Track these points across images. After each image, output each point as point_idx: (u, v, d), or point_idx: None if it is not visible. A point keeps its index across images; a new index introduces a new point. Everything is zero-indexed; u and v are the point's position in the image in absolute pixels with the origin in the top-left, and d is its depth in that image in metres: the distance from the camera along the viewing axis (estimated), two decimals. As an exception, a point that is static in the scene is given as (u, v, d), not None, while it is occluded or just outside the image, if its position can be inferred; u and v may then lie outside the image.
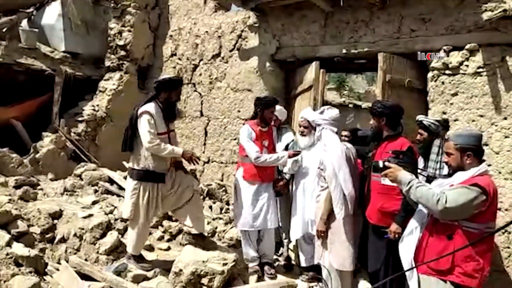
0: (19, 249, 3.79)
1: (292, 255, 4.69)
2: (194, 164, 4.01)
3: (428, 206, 2.49)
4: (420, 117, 3.80)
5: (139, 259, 3.98)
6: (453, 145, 2.59)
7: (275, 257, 4.53)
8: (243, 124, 4.39)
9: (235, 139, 6.12)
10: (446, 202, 2.37)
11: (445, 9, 4.37)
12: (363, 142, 3.90)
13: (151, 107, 3.85)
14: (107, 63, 7.30)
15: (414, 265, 2.63)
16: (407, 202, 2.90)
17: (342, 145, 3.66)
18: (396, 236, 3.07)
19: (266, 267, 4.23)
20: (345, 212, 3.45)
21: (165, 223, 4.76)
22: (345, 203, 3.44)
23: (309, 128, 4.01)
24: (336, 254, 3.52)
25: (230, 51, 6.24)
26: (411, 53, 4.67)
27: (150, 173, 3.84)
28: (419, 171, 3.19)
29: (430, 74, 4.48)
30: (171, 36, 7.23)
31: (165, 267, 3.94)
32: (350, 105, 10.81)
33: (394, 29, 4.73)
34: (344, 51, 5.04)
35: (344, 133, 4.07)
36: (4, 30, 6.84)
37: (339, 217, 3.46)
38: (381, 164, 2.74)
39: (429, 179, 3.21)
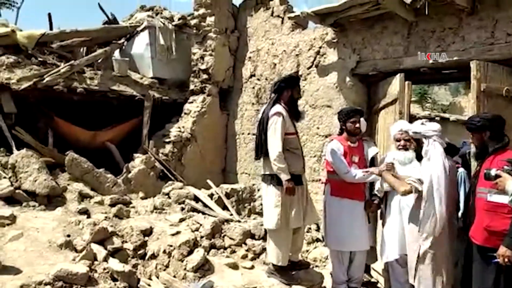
0: (114, 264, 4.01)
1: (380, 278, 4.45)
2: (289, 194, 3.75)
3: None
4: None
5: (283, 272, 3.86)
6: None
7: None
8: (330, 140, 4.29)
9: (314, 156, 6.03)
10: None
11: (548, 8, 3.97)
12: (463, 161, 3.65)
13: (280, 108, 3.76)
14: (191, 86, 7.66)
15: None
16: None
17: (447, 161, 3.40)
18: (506, 260, 2.75)
19: (354, 291, 4.05)
20: (432, 232, 3.22)
21: (249, 241, 4.77)
22: (434, 223, 3.20)
23: (411, 141, 3.80)
24: (433, 277, 3.26)
25: (308, 68, 6.21)
26: (507, 59, 4.28)
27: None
28: None
29: (532, 81, 4.07)
30: (249, 57, 7.40)
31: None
32: (437, 118, 10.22)
33: (487, 35, 4.38)
34: (430, 61, 4.77)
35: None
36: (99, 60, 7.51)
37: (425, 237, 3.24)
38: (493, 173, 2.60)
39: None
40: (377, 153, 4.27)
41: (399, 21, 5.04)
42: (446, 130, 10.24)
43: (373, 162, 4.19)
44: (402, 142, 3.86)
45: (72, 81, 6.88)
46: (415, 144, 3.66)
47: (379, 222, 4.26)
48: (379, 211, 4.20)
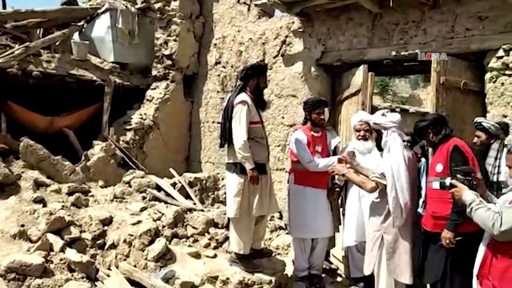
0: (72, 254, 3.89)
1: (340, 265, 4.54)
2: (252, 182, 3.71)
3: (486, 229, 2.37)
4: (478, 119, 3.63)
5: (245, 260, 3.82)
6: None
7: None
8: (295, 130, 4.30)
9: (279, 145, 6.05)
10: (501, 225, 2.24)
11: (506, 5, 4.10)
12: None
13: (245, 97, 3.69)
14: (154, 72, 7.47)
15: (477, 282, 2.51)
16: (459, 205, 2.75)
17: (406, 151, 3.48)
18: (448, 242, 2.90)
19: (314, 278, 4.11)
20: (399, 222, 3.30)
21: (212, 230, 4.75)
22: (400, 213, 3.29)
23: (370, 131, 3.86)
24: (395, 264, 3.36)
25: (274, 57, 6.19)
26: (466, 53, 4.43)
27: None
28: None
29: (488, 75, 4.22)
30: (215, 44, 7.30)
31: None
32: (397, 109, 10.50)
33: (448, 29, 4.50)
34: (393, 53, 4.85)
35: (405, 138, 3.89)
36: (57, 43, 7.18)
37: (396, 227, 3.32)
38: (447, 182, 2.67)
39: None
40: (339, 142, 4.33)
41: (364, 12, 5.10)
42: (406, 122, 10.59)
43: (335, 151, 4.25)
44: (361, 133, 3.92)
45: (27, 64, 6.55)
46: (375, 134, 3.73)
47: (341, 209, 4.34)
48: (340, 199, 4.28)
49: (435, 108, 4.17)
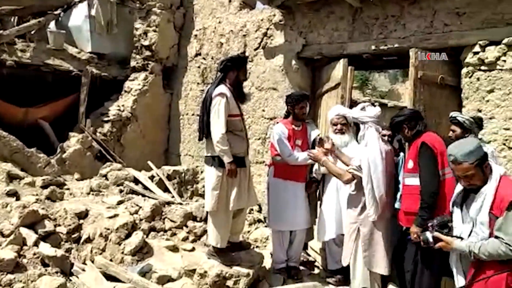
0: (45, 249, 3.81)
1: (318, 257, 4.58)
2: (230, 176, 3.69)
3: (500, 258, 2.30)
4: (453, 113, 3.68)
5: (223, 253, 3.80)
6: (470, 166, 2.39)
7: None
8: (276, 123, 4.29)
9: (259, 138, 6.03)
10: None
11: (482, 2, 4.15)
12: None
13: (224, 89, 3.64)
14: (133, 63, 7.34)
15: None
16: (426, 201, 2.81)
17: (384, 145, 3.51)
18: (416, 237, 2.94)
19: (292, 270, 4.14)
20: (375, 214, 3.33)
21: (190, 223, 4.72)
22: (375, 205, 3.32)
23: (347, 125, 3.88)
24: (371, 256, 3.40)
25: (255, 49, 6.15)
26: (444, 48, 4.47)
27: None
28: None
29: (464, 70, 4.28)
30: (195, 35, 7.21)
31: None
32: (376, 104, 10.58)
33: (426, 24, 4.54)
34: (373, 47, 4.87)
35: (385, 132, 3.92)
36: (32, 32, 6.97)
37: (371, 219, 3.35)
38: (430, 238, 2.61)
39: None
40: (318, 135, 4.35)
41: (345, 6, 5.10)
42: (384, 116, 10.70)
43: (314, 143, 4.26)
44: (338, 126, 3.94)
45: (1, 52, 6.37)
46: (354, 128, 3.75)
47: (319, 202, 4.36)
48: (317, 192, 4.30)
49: (413, 102, 4.21)
